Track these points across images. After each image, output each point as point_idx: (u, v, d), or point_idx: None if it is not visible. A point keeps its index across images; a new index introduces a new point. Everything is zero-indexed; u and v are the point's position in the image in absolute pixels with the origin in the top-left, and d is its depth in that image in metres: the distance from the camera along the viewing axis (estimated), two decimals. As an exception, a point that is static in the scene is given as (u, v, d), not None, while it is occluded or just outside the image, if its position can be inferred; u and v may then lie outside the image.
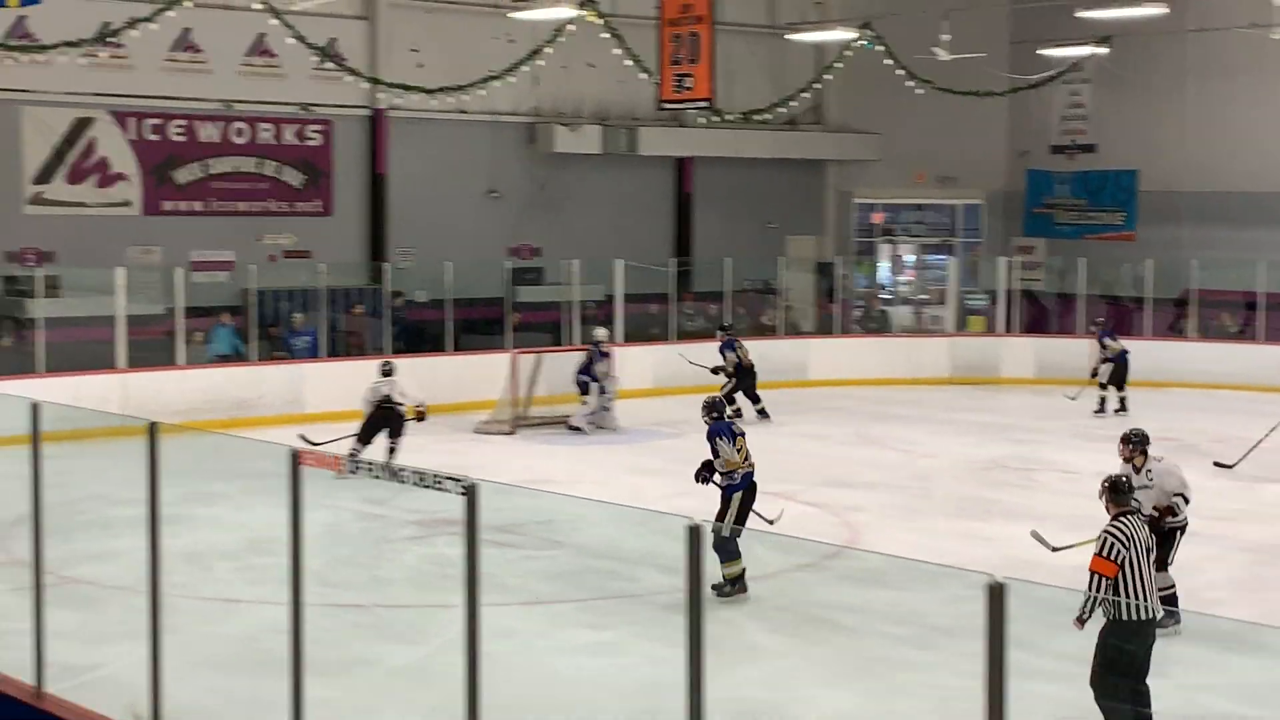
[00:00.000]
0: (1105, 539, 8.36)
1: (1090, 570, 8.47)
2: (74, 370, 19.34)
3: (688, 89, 20.40)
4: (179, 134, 23.62)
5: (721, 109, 23.91)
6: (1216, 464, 17.41)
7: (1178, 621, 9.81)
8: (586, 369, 20.50)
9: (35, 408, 8.39)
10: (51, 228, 22.47)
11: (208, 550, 12.57)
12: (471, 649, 6.29)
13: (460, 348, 23.00)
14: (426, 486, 6.54)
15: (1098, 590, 8.31)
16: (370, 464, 6.85)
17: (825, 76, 27.33)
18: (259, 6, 20.64)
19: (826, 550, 12.95)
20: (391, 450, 17.04)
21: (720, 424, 12.07)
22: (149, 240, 23.22)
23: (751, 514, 11.88)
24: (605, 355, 20.73)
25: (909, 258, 30.04)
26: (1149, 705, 8.19)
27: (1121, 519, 8.47)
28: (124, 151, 23.13)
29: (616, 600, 11.89)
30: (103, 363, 19.82)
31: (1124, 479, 8.86)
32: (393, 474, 6.67)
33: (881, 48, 25.27)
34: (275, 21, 21.31)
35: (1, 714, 8.32)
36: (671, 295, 25.22)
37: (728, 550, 11.30)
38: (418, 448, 16.97)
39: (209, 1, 21.70)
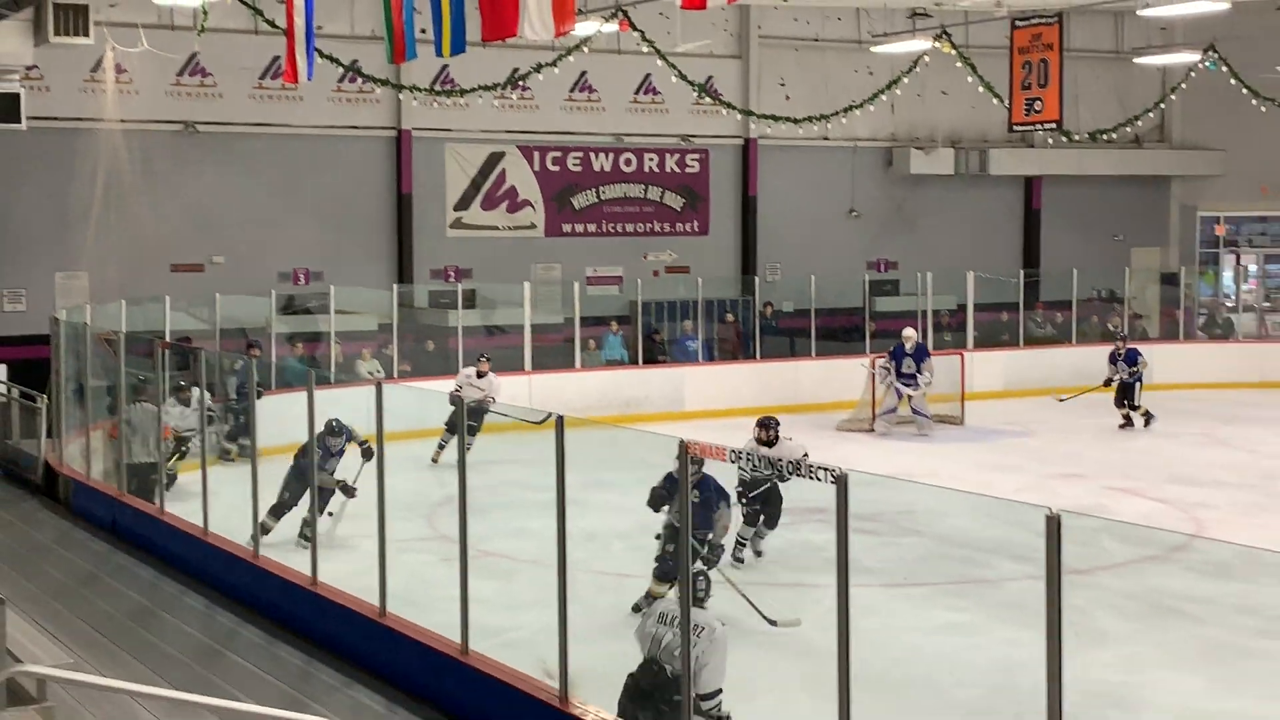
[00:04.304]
0: None
1: None
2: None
3: (1037, 112, 19.88)
4: (576, 165, 24.40)
5: (1069, 130, 23.20)
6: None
7: None
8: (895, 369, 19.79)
9: (460, 403, 8.81)
10: (468, 248, 23.53)
11: (604, 530, 12.87)
12: (843, 624, 6.30)
13: (822, 353, 22.98)
14: (801, 476, 6.58)
15: None
16: (750, 455, 6.94)
17: (1170, 96, 26.23)
18: (646, 50, 21.09)
19: (1174, 542, 12.43)
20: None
21: None
22: (550, 259, 24.07)
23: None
24: (907, 354, 19.67)
25: (1252, 267, 28.53)
26: None
27: None
28: (530, 181, 24.04)
29: (973, 585, 11.69)
30: (512, 366, 20.61)
31: None
32: (770, 464, 6.73)
33: (1225, 68, 24.08)
34: (660, 63, 21.72)
35: (434, 667, 8.76)
36: (1020, 304, 24.64)
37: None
38: (785, 443, 17.02)
39: (603, 47, 22.28)
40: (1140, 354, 20.16)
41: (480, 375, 17.93)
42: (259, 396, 12.81)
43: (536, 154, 24.06)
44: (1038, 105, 19.86)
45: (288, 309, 21.43)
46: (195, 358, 13.35)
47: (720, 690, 7.35)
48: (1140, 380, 20.03)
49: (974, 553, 12.48)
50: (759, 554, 12.46)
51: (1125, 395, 20.01)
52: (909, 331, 20.27)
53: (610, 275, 24.58)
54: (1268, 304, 27.84)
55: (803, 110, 24.48)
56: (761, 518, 12.37)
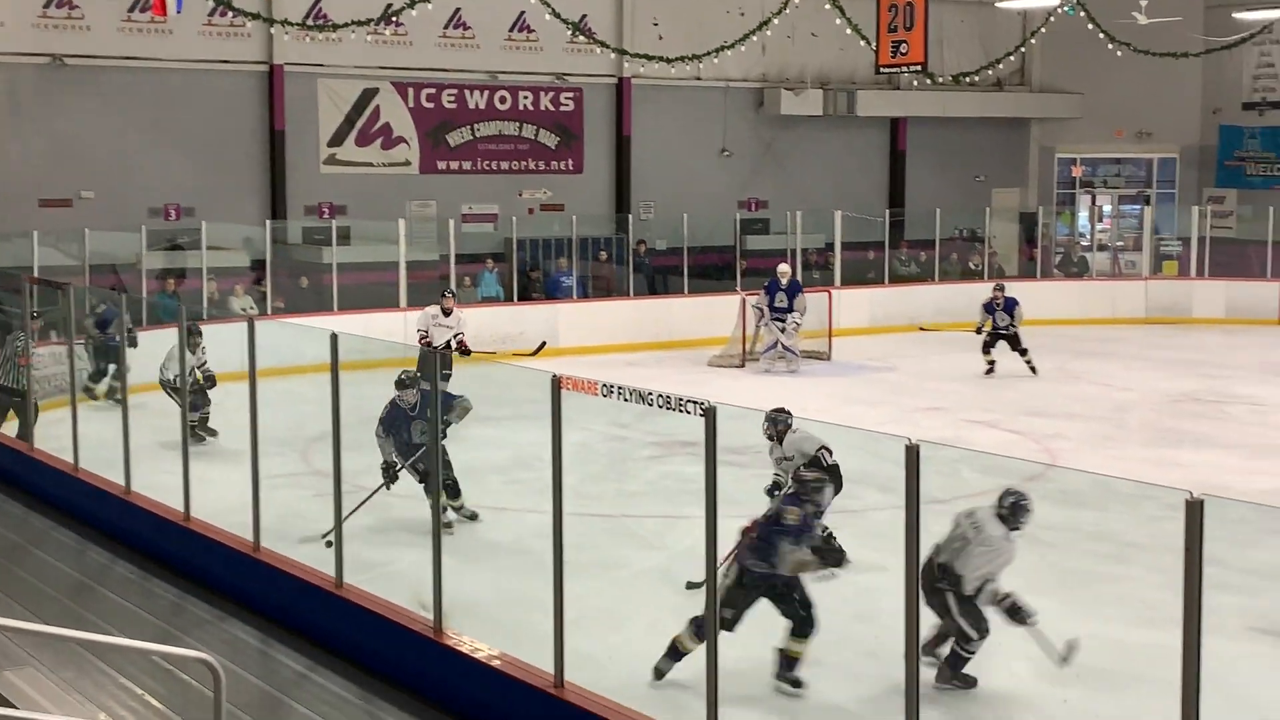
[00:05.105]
0: None
1: None
2: (363, 308, 19.96)
3: (903, 54, 20.04)
4: (451, 102, 24.11)
5: (934, 72, 23.47)
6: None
7: None
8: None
9: (334, 339, 8.68)
10: (343, 185, 23.16)
11: (481, 465, 12.84)
12: (711, 554, 6.35)
13: (695, 291, 23.08)
14: (671, 409, 6.59)
15: None
16: (622, 387, 6.92)
17: (1030, 40, 26.62)
18: (520, -13, 20.89)
19: (1029, 471, 12.69)
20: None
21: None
22: (425, 195, 23.79)
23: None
24: (780, 289, 19.72)
25: (1107, 208, 29.20)
26: None
27: None
28: (404, 118, 23.70)
29: (839, 515, 11.82)
30: (387, 302, 20.41)
31: None
32: (642, 397, 6.72)
33: (1083, 13, 24.46)
34: (534, 1, 21.53)
35: (308, 600, 8.69)
36: (886, 243, 24.95)
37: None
38: (657, 379, 17.10)
39: (477, -17, 22.04)
40: (1018, 303, 19.41)
41: (446, 313, 16.67)
42: (133, 344, 12.49)
43: (411, 90, 23.72)
44: (903, 48, 20.03)
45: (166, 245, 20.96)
46: (63, 293, 12.99)
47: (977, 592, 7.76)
48: (1017, 327, 19.23)
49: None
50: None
51: (1011, 344, 19.18)
52: (784, 267, 20.47)
53: (485, 213, 24.37)
54: (1121, 243, 28.51)
55: (675, 50, 24.40)
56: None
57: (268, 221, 20.99)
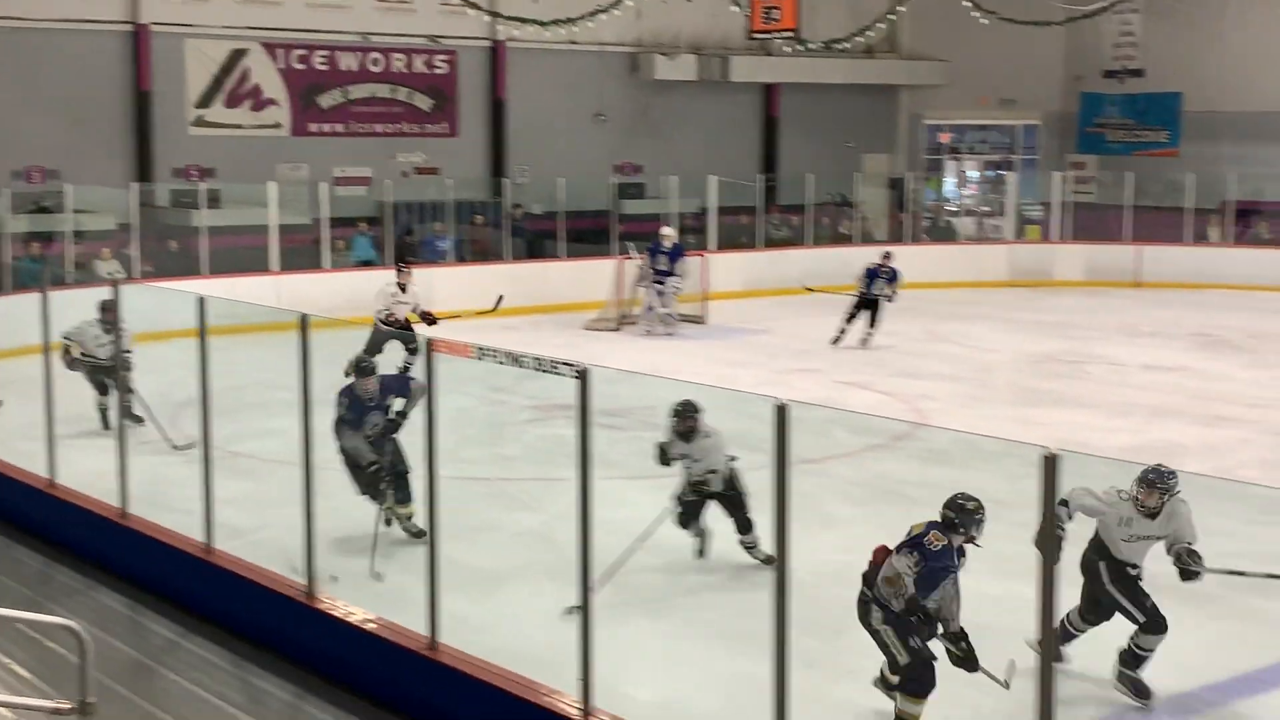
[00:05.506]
0: None
1: None
2: (233, 273, 19.62)
3: (775, 20, 20.14)
4: (322, 63, 23.74)
5: (805, 39, 23.57)
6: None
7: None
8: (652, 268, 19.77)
9: (201, 302, 8.52)
10: (212, 147, 22.71)
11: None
12: (583, 514, 6.35)
13: (571, 255, 23.03)
14: (544, 371, 6.57)
15: None
16: (496, 351, 6.89)
17: (899, 8, 26.81)
18: (392, -52, 20.59)
19: (897, 431, 12.90)
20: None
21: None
22: (297, 158, 23.42)
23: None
24: (663, 252, 19.74)
25: (973, 173, 29.67)
26: None
27: None
28: (274, 79, 23.28)
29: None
30: (258, 266, 20.08)
31: None
32: (515, 359, 6.70)
33: (950, -19, 24.76)
34: (407, -38, 21.26)
35: (178, 565, 8.55)
36: (759, 207, 25.10)
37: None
38: (533, 343, 17.04)
39: (348, -55, 21.66)
40: (899, 275, 18.82)
41: (403, 288, 16.23)
42: None
43: (281, 52, 23.30)
44: (775, 14, 20.13)
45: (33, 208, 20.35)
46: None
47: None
48: (891, 300, 18.70)
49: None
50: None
51: (872, 312, 18.56)
52: (667, 230, 20.50)
53: (359, 176, 24.06)
54: (986, 208, 29.01)
55: (550, 13, 24.21)
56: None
57: (134, 184, 20.50)
